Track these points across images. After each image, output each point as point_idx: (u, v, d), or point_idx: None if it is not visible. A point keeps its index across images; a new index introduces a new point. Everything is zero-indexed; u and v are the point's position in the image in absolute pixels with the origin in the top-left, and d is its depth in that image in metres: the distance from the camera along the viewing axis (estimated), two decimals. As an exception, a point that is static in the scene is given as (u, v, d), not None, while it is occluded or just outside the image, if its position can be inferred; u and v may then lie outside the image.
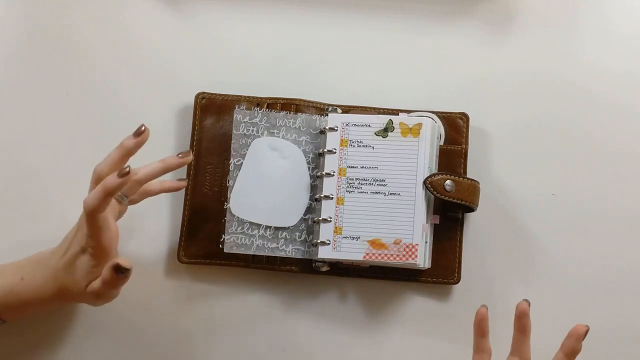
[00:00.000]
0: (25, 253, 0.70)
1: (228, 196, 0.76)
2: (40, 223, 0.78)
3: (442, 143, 0.78)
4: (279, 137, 0.77)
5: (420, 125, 0.75)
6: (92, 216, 0.61)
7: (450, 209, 0.77)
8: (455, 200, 0.74)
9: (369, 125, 0.75)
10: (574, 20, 0.82)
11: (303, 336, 0.78)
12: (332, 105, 0.79)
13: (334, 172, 0.75)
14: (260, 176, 0.77)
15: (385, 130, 0.75)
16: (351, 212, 0.74)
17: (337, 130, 0.76)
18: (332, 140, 0.76)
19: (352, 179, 0.75)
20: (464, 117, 0.79)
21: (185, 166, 0.77)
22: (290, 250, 0.76)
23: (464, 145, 0.78)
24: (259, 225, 0.76)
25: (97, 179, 0.64)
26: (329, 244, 0.74)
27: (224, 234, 0.76)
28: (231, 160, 0.77)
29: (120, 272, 0.60)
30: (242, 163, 0.77)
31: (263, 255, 0.77)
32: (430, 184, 0.74)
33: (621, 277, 0.78)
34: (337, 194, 0.75)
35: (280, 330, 0.78)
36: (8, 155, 0.80)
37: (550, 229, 0.78)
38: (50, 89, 0.81)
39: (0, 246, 0.77)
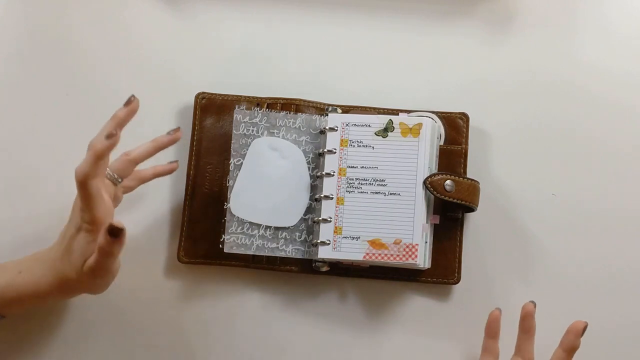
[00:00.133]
0: (25, 252, 0.70)
1: (228, 196, 0.76)
2: (40, 223, 0.78)
3: (442, 143, 0.78)
4: (279, 137, 0.77)
5: (420, 125, 0.75)
6: (85, 183, 0.61)
7: (450, 209, 0.77)
8: (455, 200, 0.74)
9: (369, 125, 0.75)
10: (574, 20, 0.82)
11: (303, 336, 0.78)
12: (332, 105, 0.79)
13: (334, 172, 0.75)
14: (260, 176, 0.77)
15: (385, 130, 0.75)
16: (351, 212, 0.74)
17: (337, 130, 0.76)
18: (332, 140, 0.76)
19: (352, 179, 0.75)
20: (464, 117, 0.79)
21: (186, 164, 0.78)
22: (290, 250, 0.76)
23: (464, 145, 0.78)
24: (259, 225, 0.76)
25: None
26: (329, 244, 0.74)
27: (224, 234, 0.76)
28: (231, 160, 0.77)
29: (114, 235, 0.59)
30: (242, 163, 0.77)
31: (263, 255, 0.77)
32: (430, 184, 0.74)
33: (621, 277, 0.78)
34: (337, 194, 0.75)
35: (280, 331, 0.78)
36: (8, 155, 0.80)
37: (550, 229, 0.78)
38: (50, 89, 0.81)
39: (0, 246, 0.77)
